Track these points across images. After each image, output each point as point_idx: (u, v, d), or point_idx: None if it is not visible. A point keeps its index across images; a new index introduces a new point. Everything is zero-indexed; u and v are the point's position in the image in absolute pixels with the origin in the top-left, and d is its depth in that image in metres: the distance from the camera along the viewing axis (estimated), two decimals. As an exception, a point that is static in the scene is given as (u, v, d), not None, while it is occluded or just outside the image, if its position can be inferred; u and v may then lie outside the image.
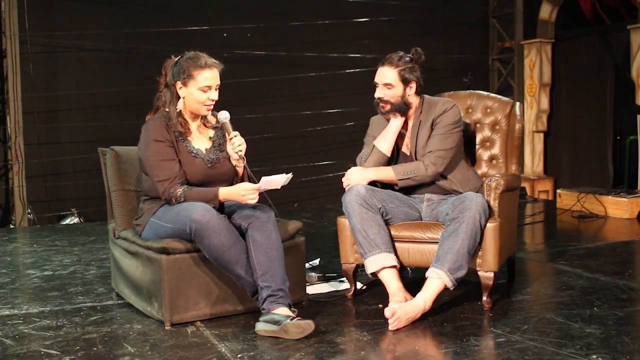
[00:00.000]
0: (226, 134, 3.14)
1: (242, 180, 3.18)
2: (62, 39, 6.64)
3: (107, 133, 6.52)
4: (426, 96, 3.50)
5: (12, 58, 6.38)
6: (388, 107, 3.39)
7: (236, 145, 3.09)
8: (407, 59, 3.39)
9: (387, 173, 3.37)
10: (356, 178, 3.33)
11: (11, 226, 6.43)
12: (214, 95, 3.08)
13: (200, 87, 3.04)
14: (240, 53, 7.07)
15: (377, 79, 3.41)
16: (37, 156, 6.53)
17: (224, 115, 3.11)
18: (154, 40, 6.65)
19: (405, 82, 3.37)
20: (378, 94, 3.40)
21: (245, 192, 2.96)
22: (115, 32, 6.72)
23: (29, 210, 6.47)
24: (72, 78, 6.73)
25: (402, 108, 3.40)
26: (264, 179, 2.96)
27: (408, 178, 3.34)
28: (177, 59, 3.11)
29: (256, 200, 2.98)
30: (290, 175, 2.98)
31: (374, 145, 3.43)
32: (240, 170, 3.18)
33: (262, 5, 7.32)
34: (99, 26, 6.66)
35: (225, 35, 7.16)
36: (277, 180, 2.96)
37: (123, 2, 6.84)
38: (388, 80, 3.37)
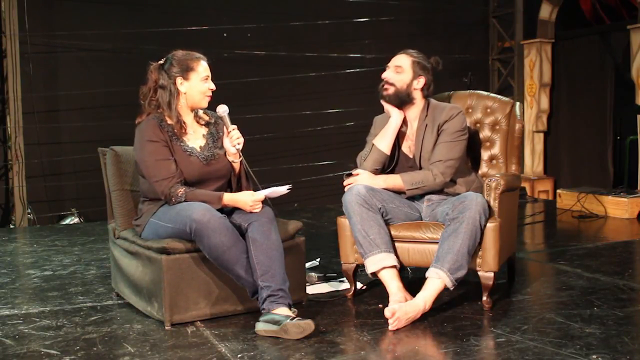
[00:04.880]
0: (224, 127, 3.16)
1: (238, 178, 3.20)
2: (62, 39, 6.64)
3: (107, 133, 6.49)
4: (432, 100, 3.50)
5: (12, 58, 6.38)
6: (391, 90, 3.38)
7: (234, 138, 3.12)
8: (425, 57, 3.43)
9: (396, 182, 3.35)
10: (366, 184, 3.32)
11: (11, 226, 6.43)
12: (212, 85, 3.15)
13: (202, 78, 3.10)
14: (240, 53, 7.08)
15: (390, 63, 3.43)
16: (37, 156, 6.53)
17: (223, 109, 3.15)
18: (154, 40, 6.65)
19: (416, 73, 3.38)
20: (386, 74, 3.41)
21: (253, 203, 3.01)
22: (115, 32, 6.72)
23: (29, 210, 6.47)
24: (72, 78, 6.73)
25: (403, 98, 3.39)
26: (266, 190, 3.03)
27: (416, 188, 3.34)
28: (163, 61, 3.15)
29: (260, 209, 3.03)
30: (289, 186, 3.06)
31: (373, 144, 3.42)
32: (236, 166, 3.19)
33: (262, 5, 7.31)
34: (99, 26, 6.66)
35: (225, 35, 7.16)
36: (278, 191, 3.05)
37: (123, 2, 6.85)
38: (399, 63, 3.39)
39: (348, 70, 7.56)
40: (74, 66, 6.74)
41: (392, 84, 3.39)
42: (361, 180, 3.34)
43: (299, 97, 7.48)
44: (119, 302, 3.43)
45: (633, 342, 2.68)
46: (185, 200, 3.00)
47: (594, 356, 2.53)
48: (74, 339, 2.87)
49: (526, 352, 2.59)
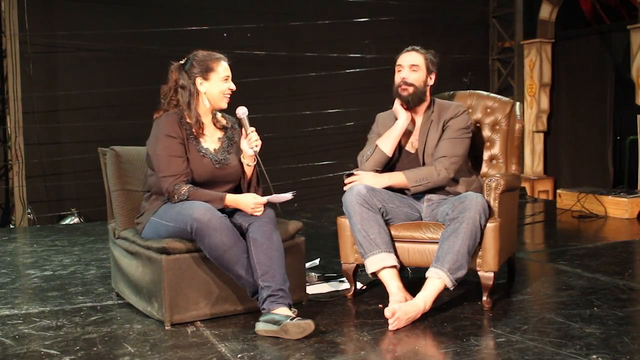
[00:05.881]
0: (243, 129, 3.17)
1: (249, 182, 3.20)
2: (62, 39, 6.64)
3: (107, 133, 6.52)
4: (437, 99, 3.51)
5: (12, 58, 6.38)
6: (410, 90, 3.38)
7: (252, 140, 3.13)
8: (432, 53, 3.45)
9: (400, 179, 3.35)
10: (371, 183, 3.32)
11: (11, 226, 6.43)
12: (233, 85, 3.17)
13: (221, 78, 3.13)
14: (240, 53, 7.07)
15: (402, 62, 3.42)
16: (37, 156, 6.53)
17: (242, 111, 3.17)
18: (154, 40, 6.65)
19: (429, 70, 3.41)
20: (403, 74, 3.39)
21: (254, 206, 3.00)
22: (115, 32, 6.71)
23: (29, 210, 6.47)
24: (72, 78, 6.73)
25: (421, 96, 3.40)
26: (270, 195, 3.05)
27: (420, 185, 3.33)
28: (184, 61, 3.15)
29: (262, 212, 3.02)
30: (294, 192, 3.06)
31: (376, 145, 3.42)
32: (248, 170, 3.19)
33: (262, 5, 7.31)
34: (99, 26, 6.66)
35: (225, 35, 7.16)
36: (281, 197, 3.05)
37: (123, 2, 6.84)
38: (416, 62, 3.40)
39: (348, 70, 7.56)
40: (74, 66, 6.74)
41: (411, 84, 3.39)
42: (366, 180, 3.33)
43: (299, 97, 7.48)
44: (119, 302, 3.43)
45: (633, 342, 2.68)
46: (187, 199, 3.00)
47: (594, 356, 2.53)
48: (74, 339, 2.87)
49: (526, 352, 2.59)
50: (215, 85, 3.12)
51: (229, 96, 3.17)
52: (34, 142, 6.50)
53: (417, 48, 3.44)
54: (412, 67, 3.39)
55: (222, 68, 3.14)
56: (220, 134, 3.23)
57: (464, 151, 3.39)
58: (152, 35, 6.72)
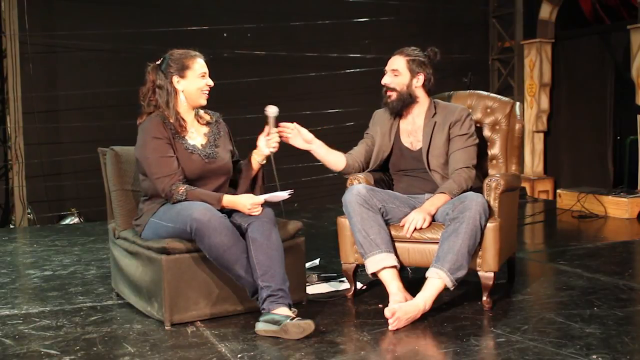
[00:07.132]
0: (266, 127, 3.22)
1: (254, 179, 3.25)
2: (62, 39, 6.64)
3: (107, 133, 6.52)
4: (439, 101, 3.53)
5: (12, 58, 6.38)
6: (394, 95, 3.41)
7: (272, 141, 3.20)
8: (420, 53, 3.43)
9: (444, 199, 3.28)
10: (426, 212, 3.25)
11: (11, 226, 6.43)
12: (210, 81, 3.17)
13: (198, 75, 3.13)
14: (240, 53, 7.08)
15: (386, 67, 3.46)
16: (37, 156, 6.53)
17: (272, 110, 3.22)
18: (154, 40, 6.64)
19: (413, 72, 3.40)
20: (384, 80, 3.44)
21: (251, 207, 3.00)
22: (115, 32, 6.72)
23: (29, 210, 6.47)
24: (72, 78, 6.73)
25: (407, 99, 3.41)
26: (266, 194, 3.06)
27: (456, 194, 3.28)
28: (160, 61, 3.17)
29: (259, 212, 3.02)
30: (291, 192, 3.06)
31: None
32: (256, 166, 3.23)
33: (262, 5, 7.32)
34: (99, 26, 6.66)
35: (225, 35, 7.16)
36: (278, 196, 3.05)
37: (123, 2, 6.85)
38: (395, 67, 3.41)
39: (348, 70, 7.56)
40: (74, 66, 6.74)
41: (393, 89, 3.42)
42: (419, 216, 3.23)
43: (299, 97, 7.48)
44: (119, 302, 3.43)
45: (633, 342, 2.68)
46: (186, 199, 3.00)
47: (594, 356, 2.53)
48: (74, 339, 2.87)
49: (526, 352, 2.59)
50: (193, 82, 3.13)
51: (207, 93, 3.17)
52: (34, 142, 6.50)
53: (405, 49, 3.44)
54: (393, 71, 3.42)
55: (199, 65, 3.14)
56: (205, 129, 3.24)
57: (476, 154, 3.41)
58: (152, 35, 6.72)
